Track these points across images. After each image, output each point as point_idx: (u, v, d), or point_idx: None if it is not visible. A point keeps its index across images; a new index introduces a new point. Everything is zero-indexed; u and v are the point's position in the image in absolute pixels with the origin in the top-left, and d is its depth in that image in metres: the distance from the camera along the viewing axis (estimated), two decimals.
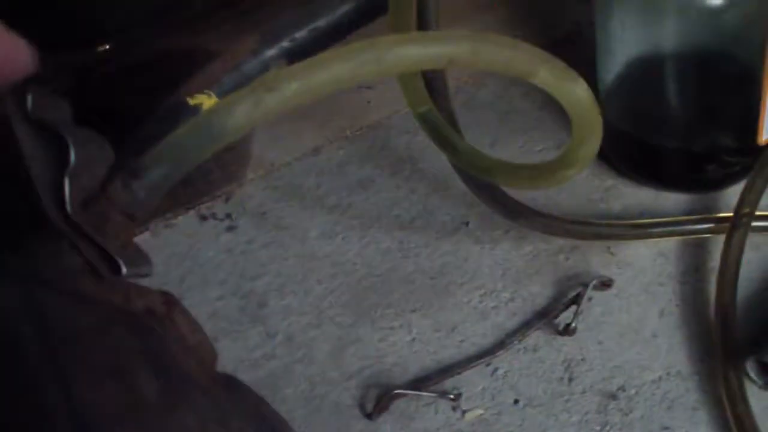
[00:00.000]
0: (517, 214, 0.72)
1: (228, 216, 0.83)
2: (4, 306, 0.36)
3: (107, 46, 0.72)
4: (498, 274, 0.75)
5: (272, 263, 0.79)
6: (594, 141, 0.48)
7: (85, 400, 0.34)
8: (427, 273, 0.77)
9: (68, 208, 0.41)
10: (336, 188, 0.84)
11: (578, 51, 0.85)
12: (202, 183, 0.84)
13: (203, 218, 0.83)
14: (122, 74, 0.76)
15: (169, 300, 0.44)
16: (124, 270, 0.43)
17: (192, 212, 0.83)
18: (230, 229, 0.82)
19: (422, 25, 0.63)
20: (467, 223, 0.79)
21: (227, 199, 0.84)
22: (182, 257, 0.80)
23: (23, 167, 0.40)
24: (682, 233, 0.74)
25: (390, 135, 0.88)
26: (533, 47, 0.46)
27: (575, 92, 0.45)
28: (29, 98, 0.41)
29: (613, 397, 0.66)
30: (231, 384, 0.44)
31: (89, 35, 0.72)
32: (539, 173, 0.55)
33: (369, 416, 0.67)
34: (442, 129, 0.64)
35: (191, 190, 0.84)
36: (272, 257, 0.80)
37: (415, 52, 0.43)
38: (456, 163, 0.67)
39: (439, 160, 0.77)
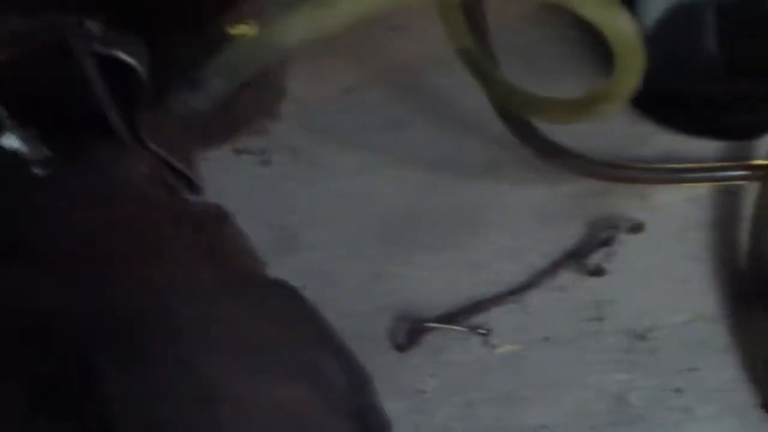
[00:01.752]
0: (552, 153, 0.73)
1: (262, 151, 0.83)
2: (89, 217, 0.38)
3: None
4: (530, 214, 0.76)
5: (305, 198, 0.80)
6: (634, 76, 0.49)
7: (159, 284, 0.36)
8: (459, 211, 0.77)
9: (139, 127, 0.42)
10: (369, 126, 0.85)
11: None
12: (237, 117, 0.85)
13: (238, 152, 0.83)
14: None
15: (221, 211, 0.45)
16: (202, 190, 0.44)
17: (227, 146, 0.84)
18: (264, 163, 0.83)
19: None
20: (501, 164, 0.79)
21: (262, 134, 0.85)
22: (217, 191, 0.80)
23: (90, 89, 0.42)
24: (715, 179, 0.75)
25: (424, 75, 0.88)
26: None
27: (620, 26, 0.46)
28: (94, 31, 0.42)
29: (642, 337, 0.67)
30: (282, 285, 0.45)
31: None
32: (577, 107, 0.56)
33: (400, 348, 0.68)
34: (480, 63, 0.64)
35: (226, 124, 0.84)
36: (305, 192, 0.80)
37: None
38: (493, 97, 0.68)
39: (472, 101, 0.77)
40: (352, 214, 0.78)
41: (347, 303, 0.72)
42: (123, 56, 0.44)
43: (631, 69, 0.49)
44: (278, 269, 0.75)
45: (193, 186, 0.44)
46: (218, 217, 0.45)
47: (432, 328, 0.68)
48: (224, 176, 0.82)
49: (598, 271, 0.71)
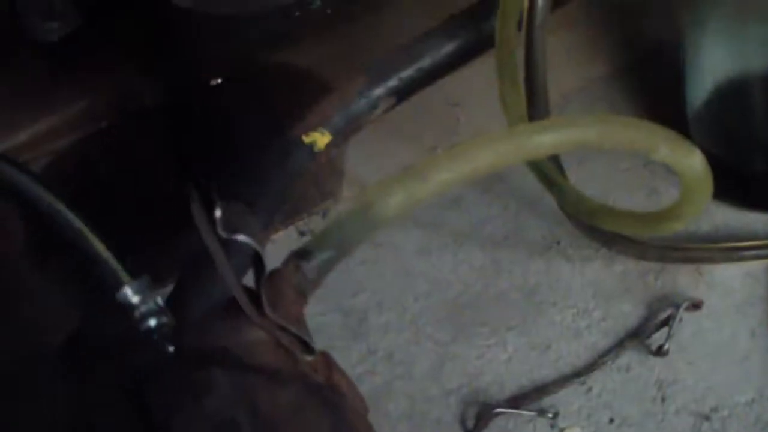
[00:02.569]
0: (612, 241, 0.75)
1: None
2: (221, 392, 0.41)
3: (219, 80, 0.75)
4: (589, 293, 0.78)
5: (370, 280, 0.82)
6: (702, 201, 0.52)
7: None
8: (520, 291, 0.79)
9: (260, 299, 0.45)
10: (429, 206, 0.87)
11: (661, 69, 0.88)
12: (300, 200, 0.88)
13: (302, 234, 0.86)
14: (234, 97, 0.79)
15: (328, 361, 0.48)
16: (316, 351, 0.47)
17: (291, 228, 0.87)
18: None
19: (529, 61, 0.65)
20: (558, 242, 0.82)
21: (324, 215, 0.88)
22: None
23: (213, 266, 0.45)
24: None
25: None
26: (652, 124, 0.50)
27: (691, 162, 0.49)
28: (218, 214, 0.45)
29: (707, 418, 0.69)
30: None
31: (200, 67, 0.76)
32: (644, 222, 0.59)
33: None
34: (549, 172, 0.67)
35: (289, 206, 0.87)
36: (370, 274, 0.83)
37: (549, 139, 0.47)
38: (562, 205, 0.70)
39: (528, 177, 0.79)
40: (416, 295, 0.81)
41: (416, 387, 0.75)
42: (244, 239, 0.47)
43: (699, 199, 0.52)
44: (348, 353, 0.78)
45: (306, 346, 0.48)
46: (325, 374, 0.48)
47: (500, 413, 0.70)
48: None
49: (660, 351, 0.72)
